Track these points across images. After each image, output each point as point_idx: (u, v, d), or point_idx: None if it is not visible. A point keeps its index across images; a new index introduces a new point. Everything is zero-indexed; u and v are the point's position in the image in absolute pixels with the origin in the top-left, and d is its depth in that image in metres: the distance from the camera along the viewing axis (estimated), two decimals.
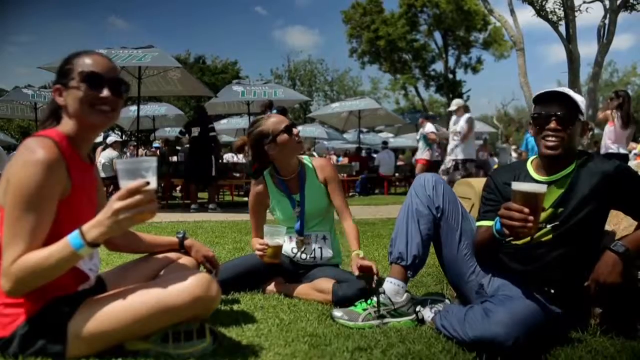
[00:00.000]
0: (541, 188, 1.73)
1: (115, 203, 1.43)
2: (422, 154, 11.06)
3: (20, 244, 1.45)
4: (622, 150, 6.65)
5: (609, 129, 6.73)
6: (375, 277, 2.36)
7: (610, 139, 6.67)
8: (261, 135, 2.62)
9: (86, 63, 1.64)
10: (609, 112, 6.71)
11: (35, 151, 1.48)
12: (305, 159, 2.80)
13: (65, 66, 1.65)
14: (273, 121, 2.63)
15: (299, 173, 2.73)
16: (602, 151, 6.80)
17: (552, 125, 1.97)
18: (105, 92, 1.63)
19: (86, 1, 63.32)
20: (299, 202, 2.69)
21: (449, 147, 8.75)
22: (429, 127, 10.99)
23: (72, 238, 1.46)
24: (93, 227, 1.46)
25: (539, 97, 2.05)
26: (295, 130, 2.64)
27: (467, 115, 8.55)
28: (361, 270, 2.37)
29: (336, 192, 2.74)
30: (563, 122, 1.97)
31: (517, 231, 1.73)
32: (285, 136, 2.60)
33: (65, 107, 1.64)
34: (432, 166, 10.69)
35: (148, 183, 1.44)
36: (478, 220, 2.19)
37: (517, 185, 1.75)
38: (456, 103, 8.89)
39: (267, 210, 2.85)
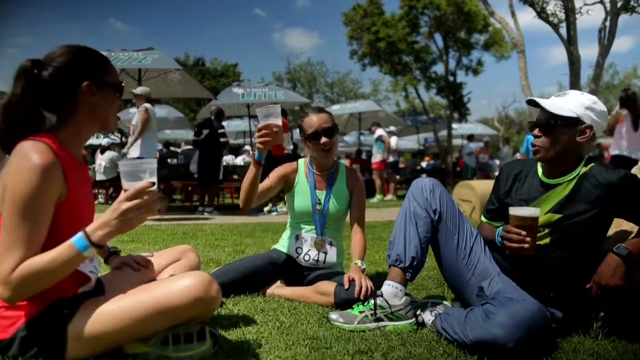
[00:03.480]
0: (535, 212, 1.91)
1: (123, 204, 1.45)
2: (375, 158, 12.04)
3: (18, 251, 1.44)
4: (633, 155, 6.21)
5: (619, 128, 6.44)
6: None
7: (622, 140, 6.36)
8: (301, 128, 2.73)
9: (114, 70, 1.73)
10: (620, 111, 6.39)
11: (29, 157, 1.46)
12: (340, 162, 2.86)
13: (101, 66, 1.67)
14: (307, 121, 2.67)
15: (330, 173, 2.78)
16: (613, 152, 6.61)
17: (534, 131, 2.05)
18: (122, 101, 1.77)
19: (86, 3, 63.28)
20: (320, 200, 2.71)
21: (127, 145, 7.12)
22: (379, 132, 11.98)
23: (76, 240, 1.46)
24: (99, 228, 1.47)
25: (527, 102, 2.13)
26: (323, 139, 2.63)
27: (144, 105, 6.94)
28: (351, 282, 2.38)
29: (358, 205, 2.79)
30: (542, 128, 2.02)
31: (516, 252, 1.92)
32: (310, 142, 2.66)
33: (86, 105, 1.63)
34: (386, 165, 12.01)
35: (153, 184, 1.48)
36: (483, 211, 2.36)
37: (513, 211, 1.94)
38: (139, 90, 7.16)
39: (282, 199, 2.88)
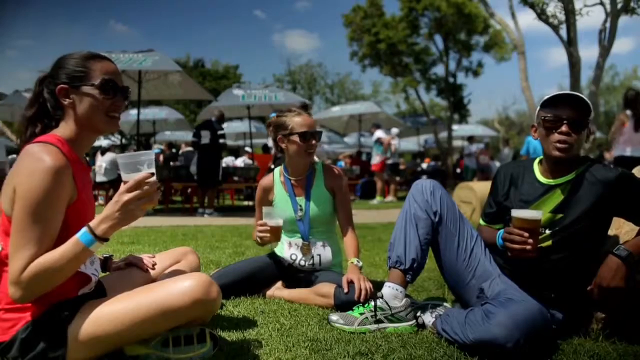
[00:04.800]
0: (537, 214, 1.91)
1: (124, 195, 1.47)
2: (374, 160, 12.02)
3: (28, 251, 1.45)
4: (636, 154, 6.27)
5: (622, 130, 6.47)
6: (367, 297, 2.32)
7: (624, 141, 6.39)
8: (280, 125, 2.64)
9: (104, 69, 1.65)
10: (623, 116, 6.43)
11: (42, 159, 1.47)
12: (317, 163, 2.79)
13: (77, 67, 1.63)
14: (298, 120, 2.61)
15: (307, 176, 2.72)
16: (616, 154, 6.61)
17: (564, 128, 1.96)
18: (120, 100, 1.67)
19: (86, 5, 63.24)
20: (301, 206, 2.68)
21: None
22: (378, 133, 11.94)
23: (81, 235, 1.48)
24: (102, 222, 1.48)
25: (552, 99, 2.01)
26: (312, 141, 2.61)
27: None
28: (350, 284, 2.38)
29: (342, 204, 2.71)
30: (574, 126, 1.97)
31: (518, 253, 1.92)
32: (297, 140, 2.59)
33: (69, 109, 1.62)
34: (385, 167, 11.92)
35: (153, 174, 1.50)
36: (481, 214, 2.34)
37: (516, 213, 1.94)
38: None
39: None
